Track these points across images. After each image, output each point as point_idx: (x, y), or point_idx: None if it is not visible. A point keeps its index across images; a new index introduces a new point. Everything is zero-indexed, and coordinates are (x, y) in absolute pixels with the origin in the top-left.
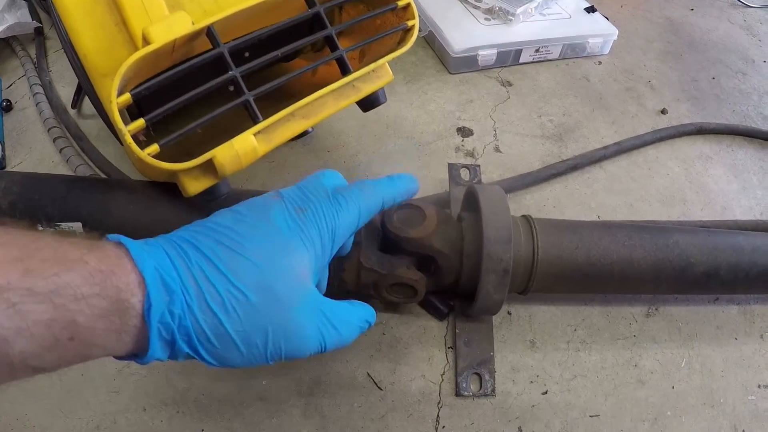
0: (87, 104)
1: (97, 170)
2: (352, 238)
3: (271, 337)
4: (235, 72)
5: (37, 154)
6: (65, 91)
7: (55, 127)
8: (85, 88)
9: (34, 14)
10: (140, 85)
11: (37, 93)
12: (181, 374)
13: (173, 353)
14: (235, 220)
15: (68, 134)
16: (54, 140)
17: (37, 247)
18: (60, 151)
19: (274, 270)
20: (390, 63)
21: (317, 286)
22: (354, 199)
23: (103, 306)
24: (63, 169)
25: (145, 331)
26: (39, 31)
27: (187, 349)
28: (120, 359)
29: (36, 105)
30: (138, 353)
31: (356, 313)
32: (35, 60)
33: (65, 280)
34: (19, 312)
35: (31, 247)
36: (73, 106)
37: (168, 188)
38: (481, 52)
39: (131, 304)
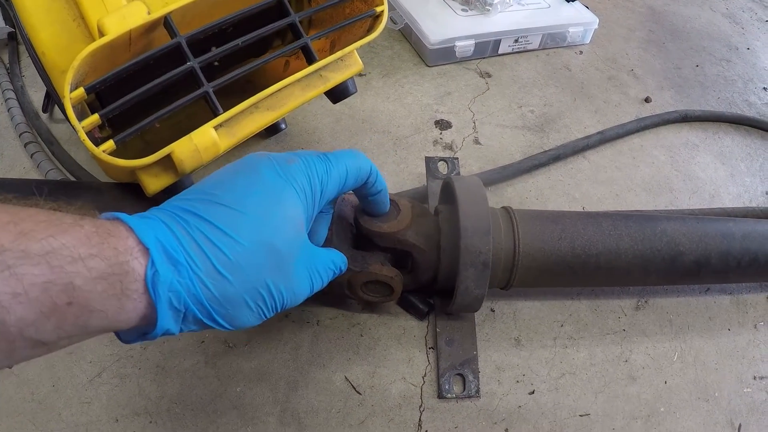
0: (58, 109)
1: (68, 174)
2: (326, 232)
3: (274, 289)
4: (192, 63)
5: (8, 160)
6: (37, 95)
7: (26, 132)
8: (48, 87)
9: (7, 19)
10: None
11: (9, 98)
12: (154, 383)
13: (185, 323)
14: (227, 180)
15: (39, 139)
16: (25, 145)
17: (28, 213)
18: (31, 156)
19: (273, 222)
20: (366, 57)
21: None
22: (342, 157)
23: (102, 268)
24: (34, 174)
25: (149, 300)
26: (12, 36)
27: (200, 316)
28: (127, 342)
29: (8, 110)
30: (147, 330)
31: (332, 259)
32: (8, 65)
33: (61, 242)
34: (14, 275)
35: (22, 213)
36: (44, 110)
37: (134, 189)
38: (458, 44)
39: (131, 267)
